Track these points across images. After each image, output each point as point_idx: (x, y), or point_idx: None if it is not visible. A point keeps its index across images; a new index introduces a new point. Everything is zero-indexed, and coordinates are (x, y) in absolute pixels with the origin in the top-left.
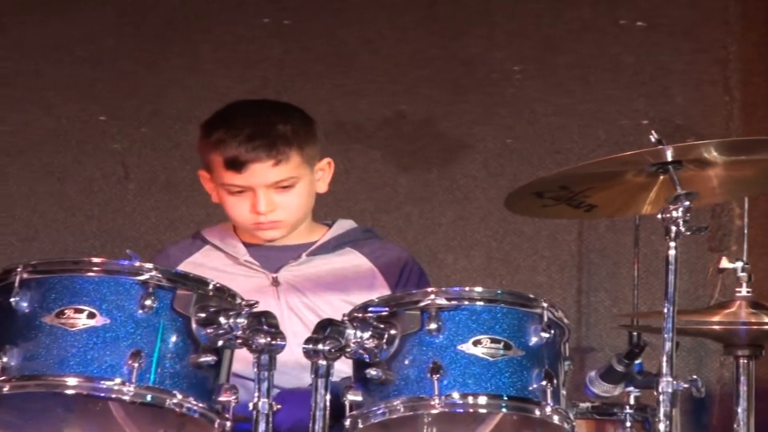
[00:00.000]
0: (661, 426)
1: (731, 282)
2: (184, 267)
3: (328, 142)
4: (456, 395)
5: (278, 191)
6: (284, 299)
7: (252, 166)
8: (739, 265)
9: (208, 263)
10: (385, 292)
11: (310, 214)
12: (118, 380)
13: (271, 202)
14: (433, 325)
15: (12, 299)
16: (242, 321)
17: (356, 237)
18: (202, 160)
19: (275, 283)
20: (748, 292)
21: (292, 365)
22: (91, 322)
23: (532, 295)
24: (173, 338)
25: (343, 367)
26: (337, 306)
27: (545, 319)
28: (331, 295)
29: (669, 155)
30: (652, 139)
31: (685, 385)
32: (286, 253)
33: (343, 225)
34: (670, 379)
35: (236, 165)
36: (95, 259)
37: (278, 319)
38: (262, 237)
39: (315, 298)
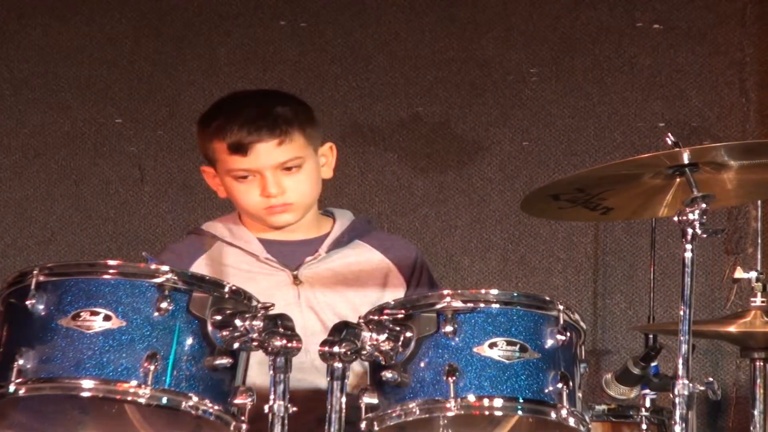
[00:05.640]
0: (677, 428)
1: (746, 287)
2: (198, 264)
3: (344, 144)
4: (472, 398)
5: (286, 173)
6: (304, 297)
7: (256, 147)
8: (753, 275)
9: (223, 260)
10: (401, 285)
11: (316, 203)
12: (133, 383)
13: (280, 184)
14: (449, 328)
15: (28, 302)
16: (258, 323)
17: (364, 229)
18: (205, 154)
19: (296, 281)
20: (762, 301)
21: (309, 366)
22: (107, 325)
23: (548, 298)
24: (189, 341)
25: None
26: (354, 302)
27: (561, 321)
28: (348, 291)
29: (685, 158)
30: (669, 142)
31: (701, 388)
32: (301, 248)
33: (346, 216)
34: (686, 381)
35: (240, 148)
36: (111, 262)
37: (296, 318)
38: (273, 223)
39: (333, 294)
